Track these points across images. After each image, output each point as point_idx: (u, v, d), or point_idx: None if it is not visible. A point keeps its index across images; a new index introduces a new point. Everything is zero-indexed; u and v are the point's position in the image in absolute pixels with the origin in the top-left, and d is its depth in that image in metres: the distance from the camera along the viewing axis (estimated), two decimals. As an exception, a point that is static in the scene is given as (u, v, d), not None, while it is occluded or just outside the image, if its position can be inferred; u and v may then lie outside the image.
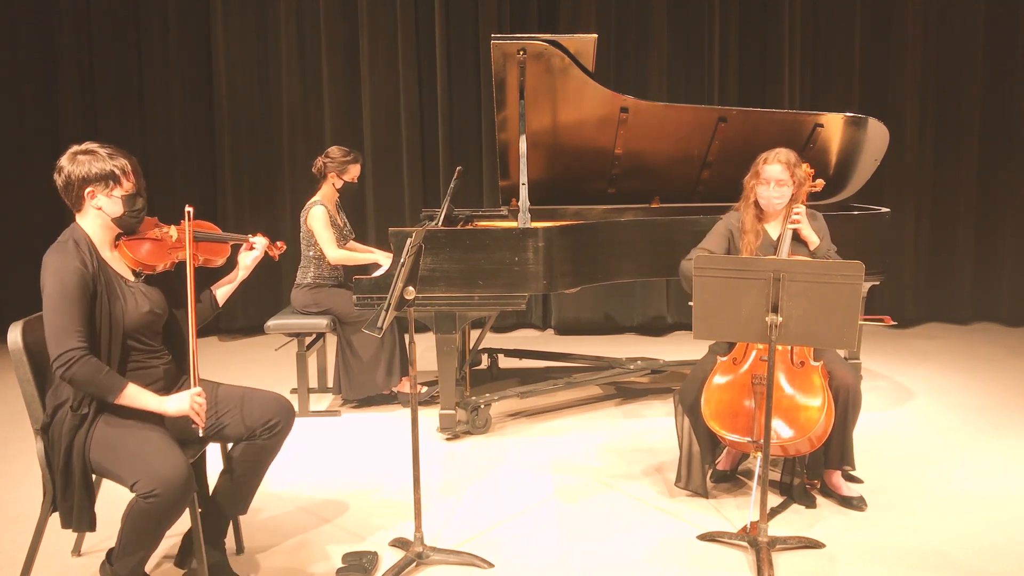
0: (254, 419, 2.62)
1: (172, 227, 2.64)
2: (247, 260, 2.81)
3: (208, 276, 2.79)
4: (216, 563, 2.67)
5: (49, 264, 2.39)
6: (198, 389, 2.47)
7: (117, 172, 2.44)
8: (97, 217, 2.47)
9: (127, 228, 2.53)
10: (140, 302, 2.50)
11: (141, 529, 2.34)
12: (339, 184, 4.56)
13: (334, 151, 4.58)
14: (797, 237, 3.29)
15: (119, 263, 2.53)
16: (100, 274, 2.43)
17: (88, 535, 2.91)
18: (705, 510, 3.22)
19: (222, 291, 2.83)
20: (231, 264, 2.82)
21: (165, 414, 2.45)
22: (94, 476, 2.44)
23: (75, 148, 2.46)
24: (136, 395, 2.41)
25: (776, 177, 3.26)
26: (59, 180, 2.44)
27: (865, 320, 3.49)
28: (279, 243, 2.95)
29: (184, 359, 2.67)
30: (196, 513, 2.51)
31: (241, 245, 2.83)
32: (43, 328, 2.48)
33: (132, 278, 2.54)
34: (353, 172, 4.60)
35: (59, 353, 2.30)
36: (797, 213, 3.26)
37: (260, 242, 2.84)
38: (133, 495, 2.32)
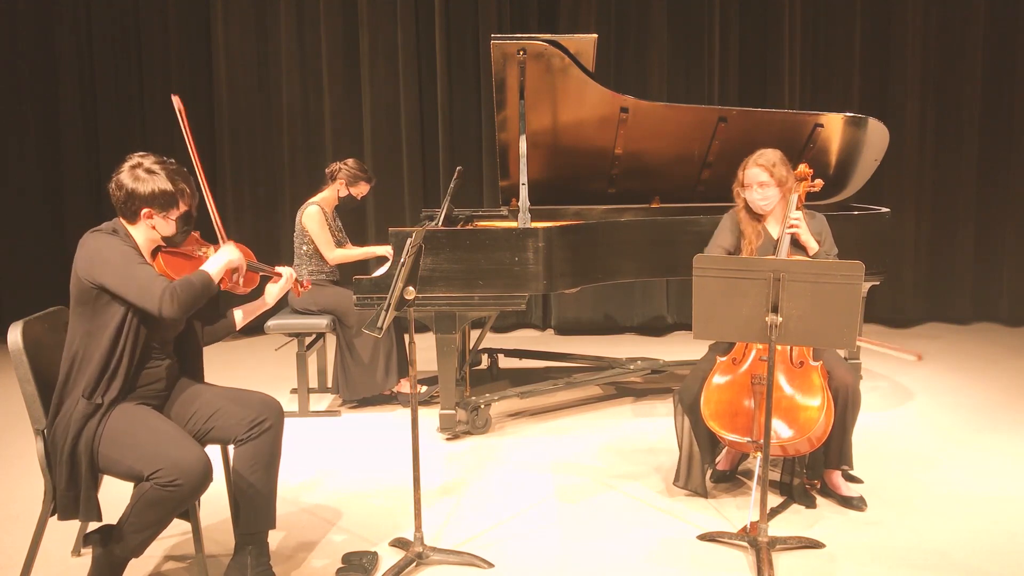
0: (240, 419, 2.61)
1: (212, 248, 2.67)
2: (274, 290, 2.81)
3: (230, 299, 2.81)
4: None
5: (93, 244, 2.42)
6: (232, 243, 2.63)
7: (177, 197, 2.49)
8: (148, 231, 2.52)
9: (173, 244, 2.58)
10: None
11: (153, 513, 2.37)
12: (343, 193, 4.60)
13: (352, 162, 4.64)
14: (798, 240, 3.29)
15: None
16: None
17: (88, 535, 2.92)
18: (705, 510, 3.22)
19: (241, 315, 2.83)
20: (256, 293, 2.83)
21: (231, 263, 2.56)
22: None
23: (135, 162, 2.48)
24: (213, 266, 2.51)
25: (757, 180, 3.26)
26: (119, 195, 2.47)
27: (892, 350, 3.47)
28: (305, 282, 2.93)
29: (189, 364, 2.73)
30: (198, 515, 2.51)
31: (270, 277, 2.84)
32: (45, 328, 2.50)
33: None
34: (361, 188, 4.65)
35: (159, 297, 2.35)
36: (796, 219, 3.24)
37: (286, 272, 2.83)
38: (148, 483, 2.33)
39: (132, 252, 2.43)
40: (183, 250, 2.61)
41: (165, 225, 2.51)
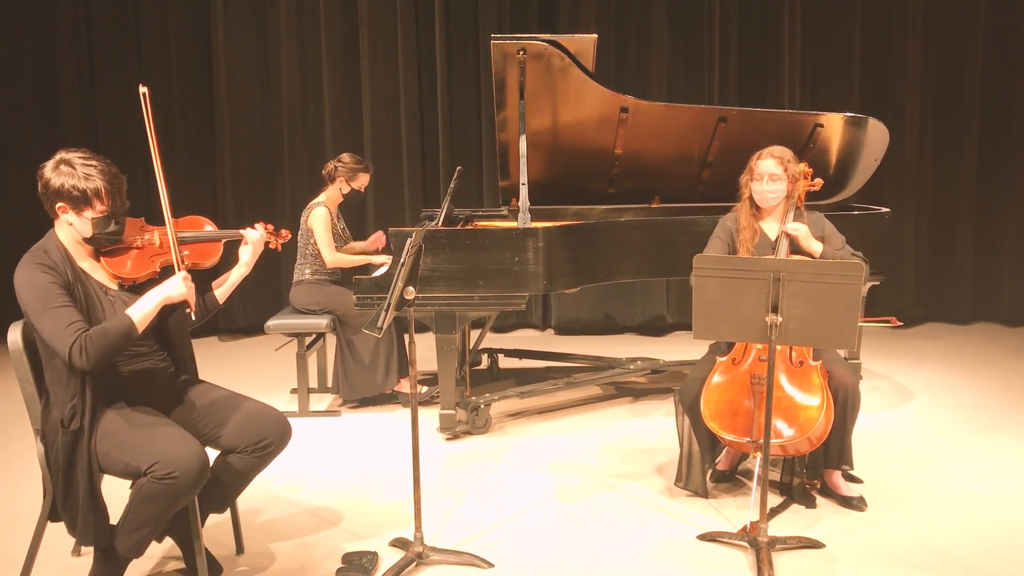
0: (247, 435, 2.58)
1: (156, 232, 2.57)
2: (245, 256, 2.69)
3: (207, 274, 2.70)
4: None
5: (18, 277, 2.35)
6: (185, 273, 2.45)
7: (89, 195, 2.35)
8: (70, 231, 2.43)
9: (99, 247, 2.47)
10: (120, 310, 2.41)
11: (150, 509, 2.35)
12: (346, 190, 4.60)
13: (347, 157, 4.62)
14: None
15: (99, 272, 2.49)
16: (77, 284, 2.39)
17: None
18: (705, 510, 3.22)
19: (221, 290, 2.72)
20: (225, 264, 2.72)
21: (170, 299, 2.40)
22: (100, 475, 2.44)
23: (61, 155, 2.39)
24: (140, 309, 2.35)
25: (769, 172, 3.26)
26: (39, 186, 2.39)
27: (869, 322, 3.45)
28: (283, 231, 2.82)
29: (179, 355, 2.67)
30: (197, 510, 2.51)
31: (238, 242, 2.70)
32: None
33: (114, 287, 2.50)
34: (362, 180, 4.64)
35: (67, 351, 2.26)
36: (795, 230, 3.23)
37: (256, 234, 2.70)
38: (144, 478, 2.32)
39: (50, 290, 2.29)
40: (124, 244, 2.50)
41: (80, 223, 2.38)
